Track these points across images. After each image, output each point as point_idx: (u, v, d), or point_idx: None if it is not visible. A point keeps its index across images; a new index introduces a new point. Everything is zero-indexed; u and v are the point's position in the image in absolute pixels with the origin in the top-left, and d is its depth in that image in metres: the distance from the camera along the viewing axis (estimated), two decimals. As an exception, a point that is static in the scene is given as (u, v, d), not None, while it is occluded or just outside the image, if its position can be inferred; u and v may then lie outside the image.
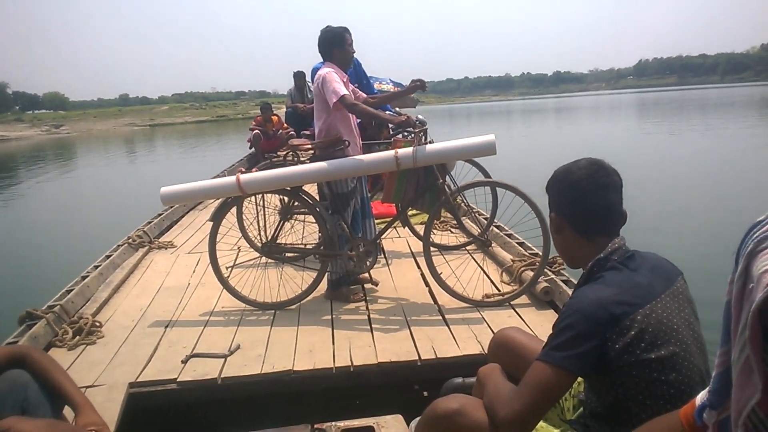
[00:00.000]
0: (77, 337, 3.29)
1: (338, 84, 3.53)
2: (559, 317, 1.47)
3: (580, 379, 1.64)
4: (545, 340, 1.49)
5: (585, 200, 1.53)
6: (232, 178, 3.54)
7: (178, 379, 2.79)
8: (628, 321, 1.37)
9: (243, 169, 3.72)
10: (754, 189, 10.04)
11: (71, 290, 3.84)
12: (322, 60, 3.80)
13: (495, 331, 2.05)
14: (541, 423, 1.51)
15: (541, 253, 3.60)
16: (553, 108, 64.15)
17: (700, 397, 1.05)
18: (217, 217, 3.67)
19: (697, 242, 6.98)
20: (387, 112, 4.23)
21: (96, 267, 4.40)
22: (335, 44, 3.70)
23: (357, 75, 4.57)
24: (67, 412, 1.88)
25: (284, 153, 3.96)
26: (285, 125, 10.60)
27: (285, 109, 10.64)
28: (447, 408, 1.53)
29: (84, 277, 4.12)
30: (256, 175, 3.57)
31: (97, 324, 3.46)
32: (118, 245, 5.06)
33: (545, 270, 3.64)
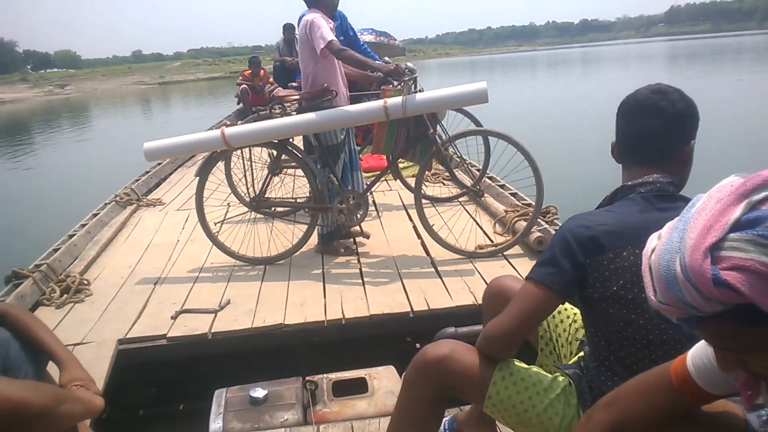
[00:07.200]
0: (65, 295, 3.24)
1: (326, 29, 3.40)
2: None
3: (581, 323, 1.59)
4: None
5: (625, 123, 1.45)
6: (216, 132, 3.44)
7: (167, 335, 2.76)
8: (611, 253, 1.32)
9: (228, 122, 3.62)
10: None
11: (58, 249, 3.77)
12: (307, 8, 3.66)
13: (488, 282, 2.01)
14: (536, 369, 1.47)
15: (534, 203, 3.55)
16: (579, 59, 62.05)
17: (691, 354, 1.00)
18: (203, 172, 3.58)
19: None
20: (376, 61, 4.09)
21: (83, 225, 4.33)
22: None
23: (342, 28, 4.40)
24: (53, 369, 1.84)
25: (270, 105, 3.84)
26: (270, 80, 10.31)
27: (273, 63, 10.27)
28: (437, 353, 1.47)
29: (71, 236, 4.06)
30: (241, 128, 3.46)
31: (85, 282, 3.41)
32: (105, 203, 4.98)
33: (538, 220, 3.60)
